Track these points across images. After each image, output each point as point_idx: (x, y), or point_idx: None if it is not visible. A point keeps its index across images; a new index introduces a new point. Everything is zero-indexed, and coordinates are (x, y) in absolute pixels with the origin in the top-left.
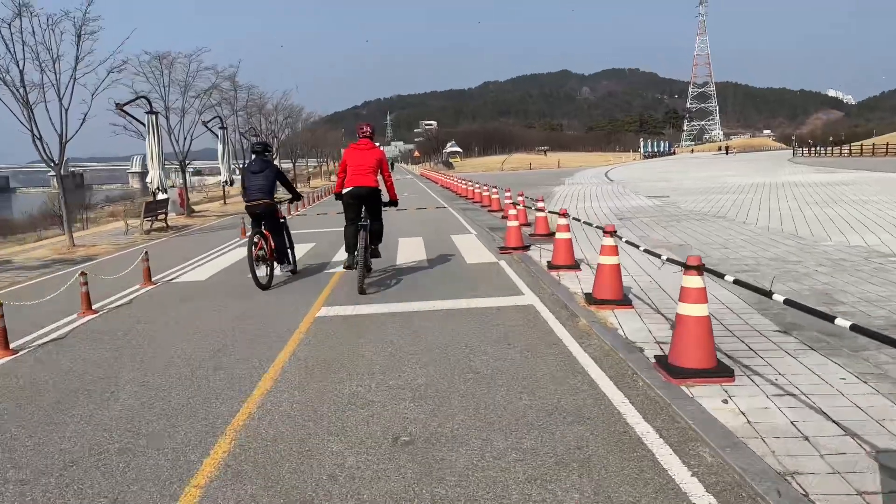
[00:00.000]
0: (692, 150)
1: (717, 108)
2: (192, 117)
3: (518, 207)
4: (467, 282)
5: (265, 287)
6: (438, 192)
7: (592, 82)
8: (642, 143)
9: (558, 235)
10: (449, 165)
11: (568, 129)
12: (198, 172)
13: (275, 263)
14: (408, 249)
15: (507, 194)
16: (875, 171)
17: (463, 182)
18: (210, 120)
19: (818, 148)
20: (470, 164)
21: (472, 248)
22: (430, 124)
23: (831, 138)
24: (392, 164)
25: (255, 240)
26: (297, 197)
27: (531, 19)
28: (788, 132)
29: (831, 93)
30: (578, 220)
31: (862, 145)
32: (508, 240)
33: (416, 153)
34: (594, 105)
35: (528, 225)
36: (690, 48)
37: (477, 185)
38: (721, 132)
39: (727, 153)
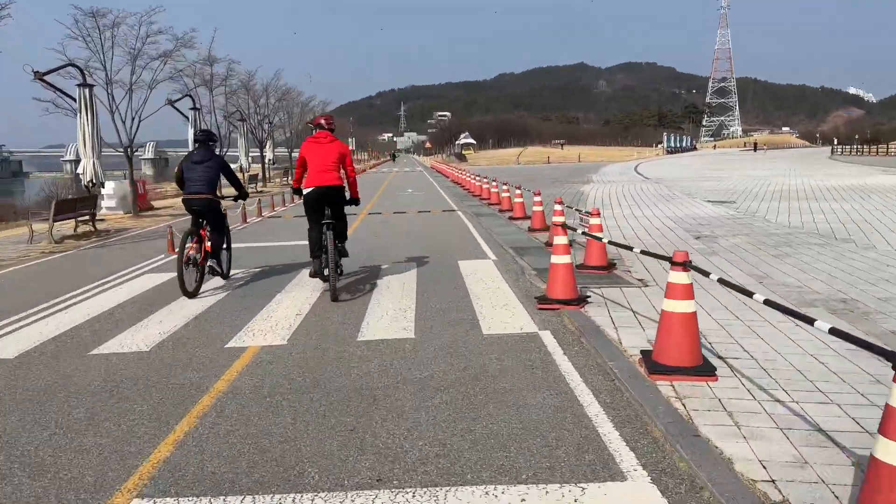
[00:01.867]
0: (714, 146)
1: (737, 103)
2: (144, 93)
3: (559, 221)
4: (486, 418)
5: (192, 295)
6: (448, 189)
7: (609, 76)
8: (665, 138)
9: (668, 306)
10: (462, 158)
11: (584, 123)
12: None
13: (206, 267)
14: (389, 298)
15: (537, 199)
16: None
17: (477, 178)
18: (178, 99)
19: (855, 146)
20: (484, 157)
21: (491, 293)
22: (444, 115)
23: (857, 136)
24: (394, 157)
25: (189, 240)
26: (243, 195)
27: (549, 10)
28: (809, 129)
29: (852, 90)
30: (630, 249)
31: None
32: (553, 286)
33: (428, 144)
34: (610, 99)
35: (526, 218)
36: (710, 43)
37: (494, 184)
38: (740, 128)
39: (755, 150)
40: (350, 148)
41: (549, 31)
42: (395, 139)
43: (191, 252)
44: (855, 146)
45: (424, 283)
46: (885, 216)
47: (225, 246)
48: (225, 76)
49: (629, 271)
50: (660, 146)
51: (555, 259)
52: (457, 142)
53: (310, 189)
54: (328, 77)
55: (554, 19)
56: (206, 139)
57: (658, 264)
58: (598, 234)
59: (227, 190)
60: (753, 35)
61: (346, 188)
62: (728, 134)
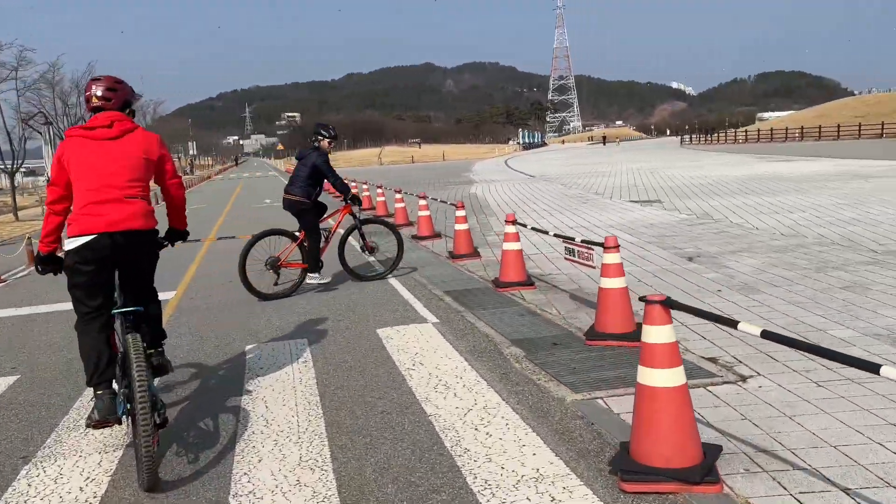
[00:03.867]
0: (563, 142)
1: (577, 100)
2: None
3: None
4: None
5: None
6: None
7: (455, 75)
8: (520, 135)
9: None
10: None
11: (436, 122)
12: (31, 172)
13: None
14: (272, 447)
15: (461, 213)
16: (821, 157)
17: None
18: None
19: (699, 136)
20: (343, 158)
21: (487, 430)
22: (293, 116)
23: (687, 126)
24: (237, 160)
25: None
26: (353, 199)
27: (393, 10)
28: (641, 122)
29: (675, 85)
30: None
31: (746, 131)
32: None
33: (281, 146)
34: (459, 98)
35: (435, 236)
36: (548, 42)
37: (380, 191)
38: (580, 124)
39: (605, 143)
40: (192, 152)
41: (395, 31)
42: (241, 142)
43: (280, 253)
44: (697, 136)
45: (337, 399)
46: (862, 211)
47: (370, 246)
48: (15, 65)
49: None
50: (512, 142)
51: (651, 336)
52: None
53: (81, 242)
54: (162, 77)
55: (399, 20)
56: (316, 131)
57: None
58: (617, 281)
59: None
60: (587, 34)
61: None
62: (570, 129)
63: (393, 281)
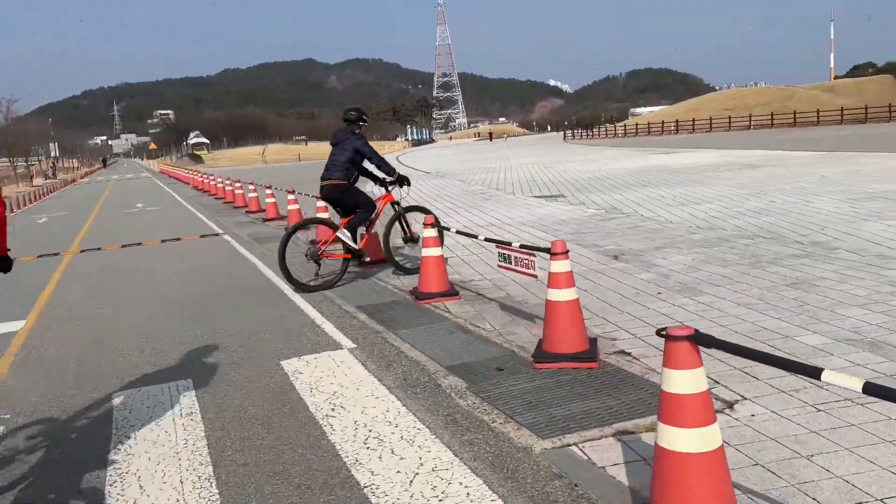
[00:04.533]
0: (451, 138)
1: (461, 97)
2: None
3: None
4: None
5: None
6: (194, 199)
7: (339, 71)
8: (409, 131)
9: None
10: (197, 159)
11: (321, 118)
12: None
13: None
14: None
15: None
16: (708, 148)
17: (230, 182)
18: None
19: (580, 131)
20: (224, 157)
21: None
22: (167, 114)
23: (566, 122)
24: (104, 162)
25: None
26: (400, 180)
27: (271, 4)
28: (523, 118)
29: (552, 82)
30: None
31: (616, 127)
32: None
33: (154, 145)
34: (343, 94)
35: (338, 241)
36: (430, 39)
37: (269, 192)
38: (465, 120)
39: (491, 139)
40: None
41: (274, 26)
42: (110, 142)
43: (320, 243)
44: (578, 131)
45: (237, 470)
46: (766, 200)
47: (413, 237)
48: None
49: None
50: (400, 139)
51: (676, 384)
52: (187, 141)
53: None
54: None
55: (278, 14)
56: (352, 118)
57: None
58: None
59: None
60: (468, 32)
61: None
62: (455, 126)
63: (295, 296)
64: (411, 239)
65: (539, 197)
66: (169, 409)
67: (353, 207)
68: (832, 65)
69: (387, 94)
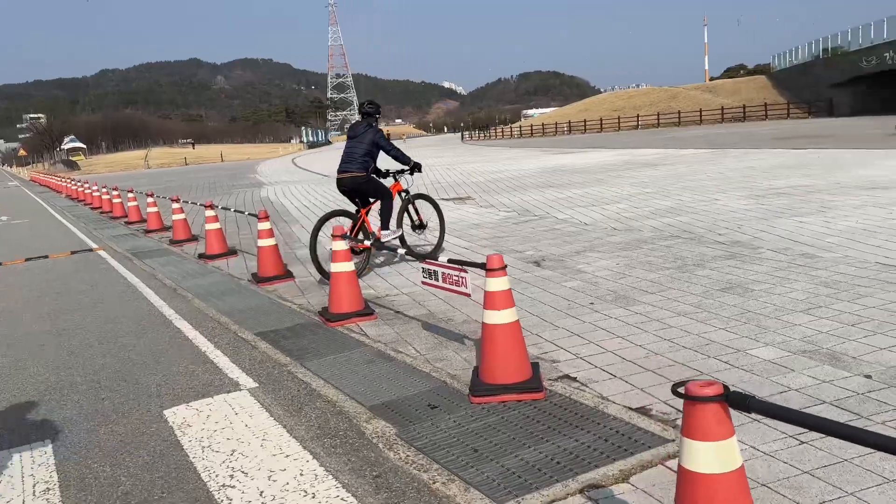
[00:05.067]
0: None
1: (356, 98)
2: None
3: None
4: None
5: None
6: (67, 210)
7: (226, 72)
8: (304, 133)
9: None
10: (72, 165)
11: (209, 121)
12: None
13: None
14: None
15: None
16: (601, 147)
17: (95, 189)
18: None
19: (478, 133)
20: (103, 163)
21: None
22: (38, 117)
23: (462, 123)
24: None
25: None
26: (414, 167)
27: (152, 1)
28: (419, 120)
29: (446, 84)
30: None
31: (512, 128)
32: None
33: (23, 152)
34: (232, 95)
35: (230, 254)
36: (322, 40)
37: (151, 200)
38: None
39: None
40: None
41: (155, 24)
42: None
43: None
44: (475, 132)
45: None
46: (675, 199)
47: (423, 223)
48: None
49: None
50: (294, 141)
51: (699, 460)
52: (62, 147)
53: None
54: None
55: (160, 12)
56: (369, 111)
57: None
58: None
59: None
60: (361, 32)
61: None
62: None
63: (180, 321)
64: (421, 225)
65: (447, 200)
66: (18, 484)
67: (373, 197)
68: (706, 67)
69: (279, 95)
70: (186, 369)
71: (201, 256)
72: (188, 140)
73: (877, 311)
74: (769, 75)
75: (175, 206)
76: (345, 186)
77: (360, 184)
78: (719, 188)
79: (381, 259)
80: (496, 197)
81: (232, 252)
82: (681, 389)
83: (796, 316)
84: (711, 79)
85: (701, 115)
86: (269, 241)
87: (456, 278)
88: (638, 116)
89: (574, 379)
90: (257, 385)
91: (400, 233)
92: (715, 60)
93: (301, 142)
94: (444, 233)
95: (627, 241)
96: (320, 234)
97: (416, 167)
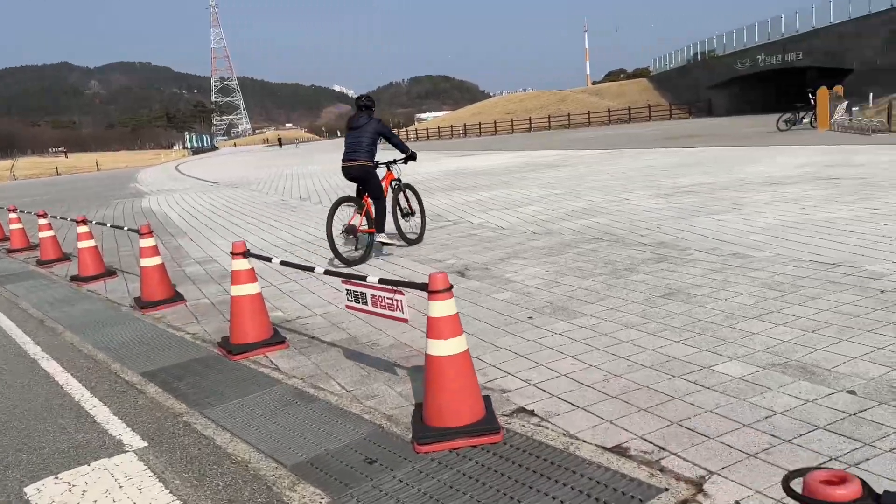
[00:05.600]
0: (235, 144)
1: (243, 102)
2: None
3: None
4: None
5: (351, 263)
6: None
7: (101, 75)
8: (188, 138)
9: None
10: None
11: (83, 127)
12: None
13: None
14: None
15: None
16: (495, 150)
17: None
18: None
19: None
20: None
21: None
22: None
23: None
24: None
25: (340, 208)
26: (411, 156)
27: (16, 3)
28: (311, 124)
29: (337, 88)
30: None
31: (407, 131)
32: None
33: None
34: (108, 100)
35: (108, 275)
36: (204, 42)
37: (13, 216)
38: (250, 126)
39: (281, 145)
40: None
41: (21, 26)
42: None
43: (352, 221)
44: None
45: None
46: (585, 200)
47: (412, 210)
48: None
49: None
50: (178, 147)
51: None
52: None
53: None
54: None
55: (25, 13)
56: (367, 104)
57: None
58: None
59: None
60: (246, 35)
61: None
62: (239, 132)
63: (47, 361)
64: (410, 213)
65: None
66: None
67: (371, 193)
68: (588, 72)
69: (159, 100)
70: (55, 426)
71: (74, 279)
72: (60, 149)
73: (832, 315)
74: (650, 78)
75: (42, 221)
76: (354, 173)
77: (368, 171)
78: (626, 188)
79: (286, 279)
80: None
81: (110, 273)
82: (797, 484)
83: (751, 323)
84: (594, 83)
85: (589, 118)
86: (154, 261)
87: (389, 301)
88: (530, 119)
89: (532, 413)
90: (147, 444)
91: (395, 233)
92: (596, 65)
93: (185, 148)
94: (425, 220)
95: (551, 246)
96: (335, 219)
97: (412, 156)
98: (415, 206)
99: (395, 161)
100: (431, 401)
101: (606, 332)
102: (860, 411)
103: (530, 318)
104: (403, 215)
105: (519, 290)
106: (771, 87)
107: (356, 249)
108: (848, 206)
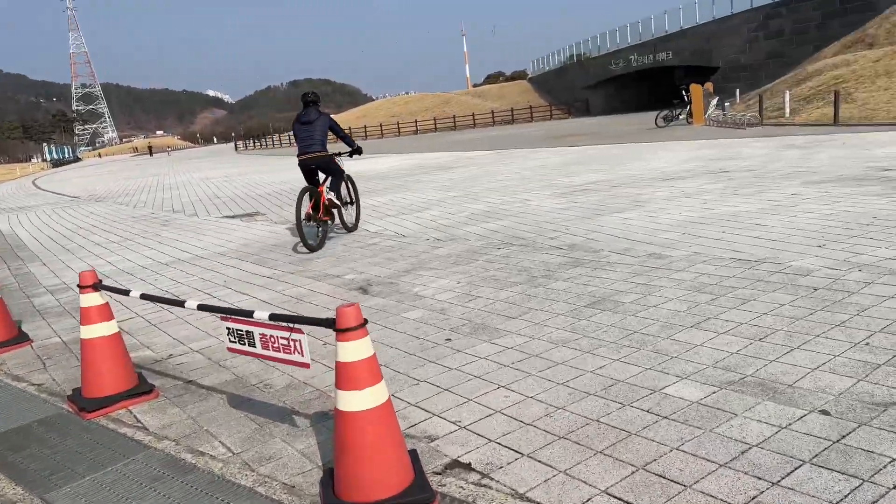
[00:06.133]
0: (100, 155)
1: (107, 109)
2: None
3: None
4: None
5: (314, 249)
6: None
7: None
8: (46, 150)
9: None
10: None
11: None
12: None
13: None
14: None
15: None
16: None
17: None
18: None
19: (252, 142)
20: None
21: None
22: None
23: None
24: None
25: (308, 199)
26: (357, 150)
27: None
28: (185, 131)
29: (211, 93)
30: None
31: (290, 136)
32: None
33: None
34: None
35: None
36: (62, 48)
37: None
38: (116, 135)
39: (151, 154)
40: None
41: None
42: None
43: (310, 210)
44: (249, 141)
45: None
46: (484, 202)
47: (350, 200)
48: None
49: None
50: (36, 160)
51: None
52: None
53: None
54: None
55: None
56: (314, 100)
57: None
58: None
59: None
60: (108, 40)
61: None
62: (105, 141)
63: None
64: (350, 202)
65: (232, 217)
66: None
67: (332, 174)
68: (468, 74)
69: (14, 110)
70: None
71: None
72: None
73: (773, 320)
74: (529, 80)
75: None
76: (312, 164)
77: (326, 160)
78: (523, 188)
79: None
80: (290, 210)
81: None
82: None
83: (690, 333)
84: (475, 85)
85: (474, 119)
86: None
87: (285, 342)
88: (416, 122)
89: (469, 467)
90: None
91: (338, 198)
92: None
93: (44, 160)
94: (360, 209)
95: (458, 254)
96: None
97: (358, 150)
98: (353, 196)
99: (340, 154)
100: (346, 468)
101: (537, 353)
102: (842, 437)
103: (448, 340)
104: (343, 204)
105: (431, 307)
106: (644, 85)
107: (317, 236)
108: (748, 200)
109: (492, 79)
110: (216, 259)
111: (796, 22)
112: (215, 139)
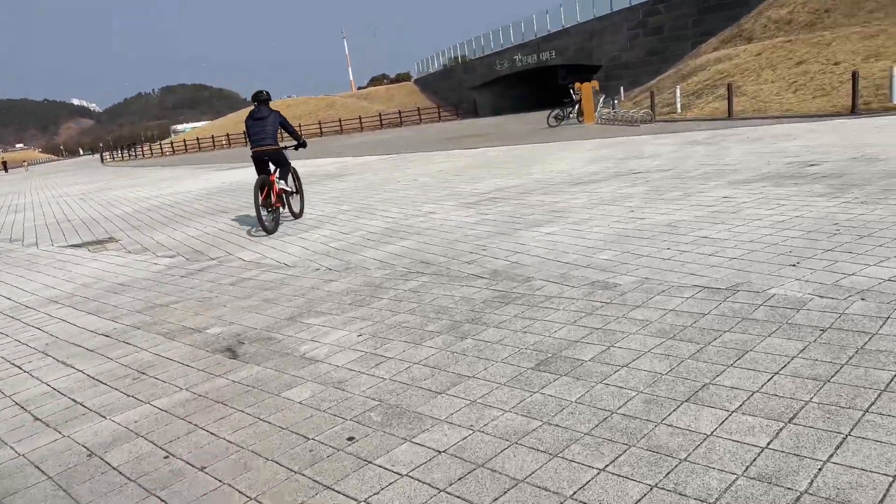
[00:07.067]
0: None
1: None
2: None
3: None
4: None
5: (271, 232)
6: None
7: None
8: None
9: None
10: None
11: None
12: None
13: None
14: None
15: None
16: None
17: None
18: None
19: (121, 152)
20: None
21: None
22: None
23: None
24: None
25: (261, 190)
26: (302, 144)
27: None
28: (49, 142)
29: (76, 101)
30: None
31: (162, 145)
32: None
33: None
34: None
35: None
36: None
37: None
38: None
39: (6, 170)
40: None
41: None
42: None
43: (265, 198)
44: (117, 152)
45: None
46: (381, 217)
47: (295, 190)
48: None
49: None
50: None
51: None
52: None
53: None
54: None
55: None
56: (267, 98)
57: None
58: None
59: None
60: None
61: None
62: None
63: None
64: (296, 191)
65: (78, 246)
66: None
67: (282, 164)
68: (351, 77)
69: None
70: None
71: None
72: None
73: (791, 384)
74: (415, 81)
75: None
76: (266, 156)
77: (278, 152)
78: (425, 198)
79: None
80: (151, 234)
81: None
82: None
83: (688, 413)
84: (359, 88)
85: (361, 122)
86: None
87: None
88: (300, 126)
89: None
90: None
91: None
92: (359, 70)
93: None
94: (304, 198)
95: (356, 289)
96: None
97: (303, 143)
98: (298, 186)
99: (286, 147)
100: None
101: (483, 460)
102: None
103: (351, 440)
104: (290, 194)
105: (324, 379)
106: (530, 85)
107: (272, 220)
108: (679, 205)
109: (376, 81)
110: (44, 308)
111: (674, 18)
112: (81, 150)
